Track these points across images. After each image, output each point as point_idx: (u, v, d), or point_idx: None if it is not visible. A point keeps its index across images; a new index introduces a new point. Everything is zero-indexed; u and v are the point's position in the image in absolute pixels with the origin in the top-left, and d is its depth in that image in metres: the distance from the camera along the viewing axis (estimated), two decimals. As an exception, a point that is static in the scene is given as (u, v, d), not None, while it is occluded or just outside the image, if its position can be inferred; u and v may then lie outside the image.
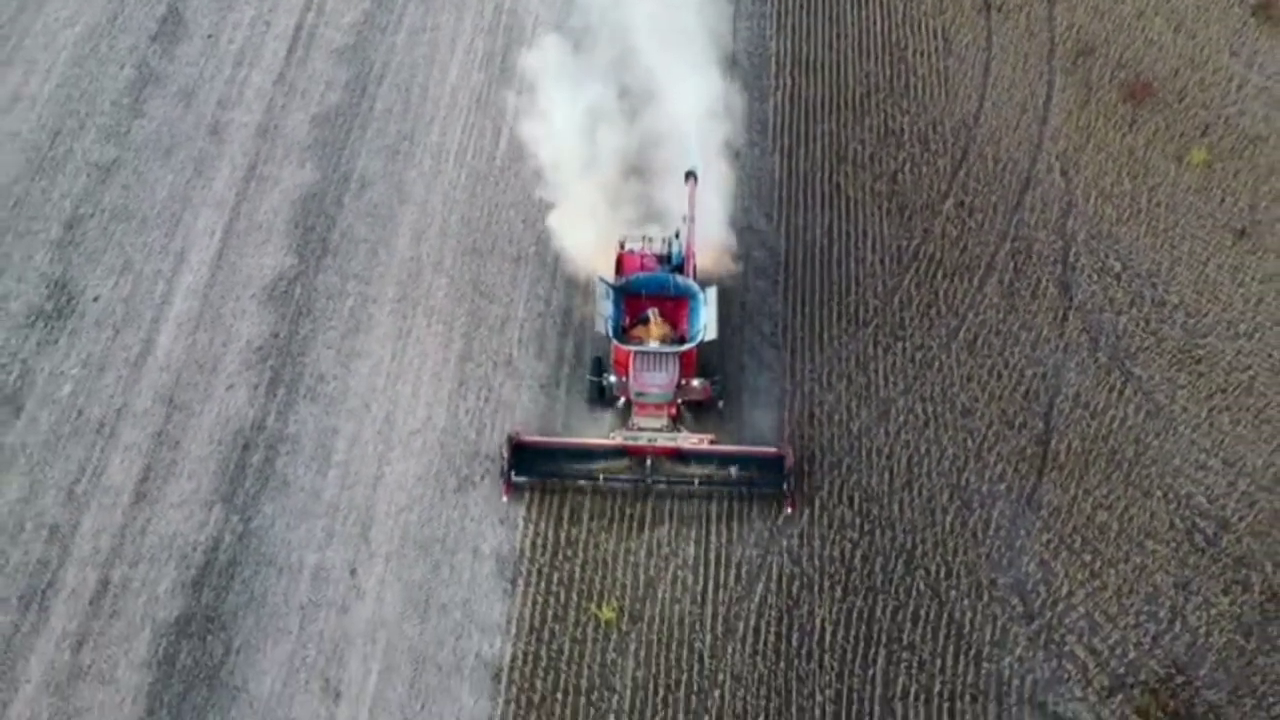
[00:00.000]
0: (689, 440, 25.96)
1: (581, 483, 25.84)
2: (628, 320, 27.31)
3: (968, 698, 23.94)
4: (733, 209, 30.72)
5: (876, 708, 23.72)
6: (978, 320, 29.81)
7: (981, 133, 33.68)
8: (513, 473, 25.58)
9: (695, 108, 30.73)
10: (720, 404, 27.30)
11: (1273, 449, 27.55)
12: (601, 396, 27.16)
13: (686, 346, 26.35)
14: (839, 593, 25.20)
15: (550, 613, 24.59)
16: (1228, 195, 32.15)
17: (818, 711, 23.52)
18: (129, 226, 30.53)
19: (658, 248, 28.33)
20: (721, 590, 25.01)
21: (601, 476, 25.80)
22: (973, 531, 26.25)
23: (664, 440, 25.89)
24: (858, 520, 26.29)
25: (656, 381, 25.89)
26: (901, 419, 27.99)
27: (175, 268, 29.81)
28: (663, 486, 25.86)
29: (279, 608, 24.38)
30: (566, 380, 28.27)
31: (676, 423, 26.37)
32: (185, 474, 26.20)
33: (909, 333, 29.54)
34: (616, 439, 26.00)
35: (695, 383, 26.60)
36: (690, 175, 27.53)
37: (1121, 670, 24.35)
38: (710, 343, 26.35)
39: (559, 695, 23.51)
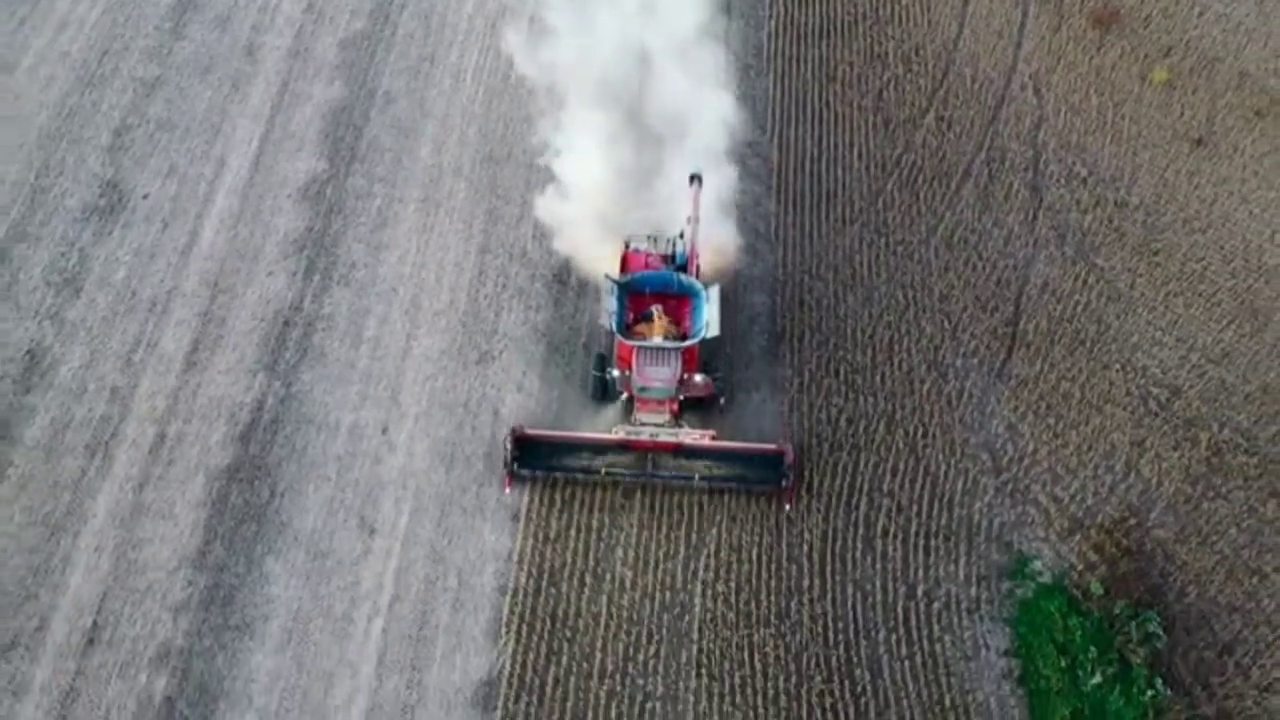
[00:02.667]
0: (690, 436, 26.30)
1: (583, 476, 26.21)
2: (632, 317, 27.69)
3: (941, 537, 26.55)
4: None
5: (859, 545, 26.31)
6: (954, 219, 32.42)
7: (960, 55, 36.32)
8: (516, 465, 25.97)
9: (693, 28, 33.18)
10: (722, 400, 27.68)
11: (1222, 327, 30.17)
12: (605, 392, 27.56)
13: (689, 342, 26.71)
14: (826, 449, 27.78)
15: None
16: (1186, 109, 34.78)
17: (806, 547, 26.08)
18: (173, 135, 33.10)
19: (662, 248, 28.93)
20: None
21: (604, 470, 26.11)
22: (948, 399, 28.85)
23: (665, 435, 26.24)
24: (843, 389, 28.88)
25: (659, 376, 26.15)
26: (884, 303, 30.60)
27: (217, 171, 32.38)
28: (663, 481, 26.28)
29: (318, 458, 26.95)
30: (576, 273, 30.75)
31: (678, 419, 26.75)
32: (231, 346, 28.77)
33: (891, 230, 32.14)
34: (619, 434, 26.31)
35: (698, 378, 26.70)
36: (695, 178, 27.74)
37: (1080, 514, 26.96)
38: (713, 340, 26.74)
39: (572, 532, 26.08)
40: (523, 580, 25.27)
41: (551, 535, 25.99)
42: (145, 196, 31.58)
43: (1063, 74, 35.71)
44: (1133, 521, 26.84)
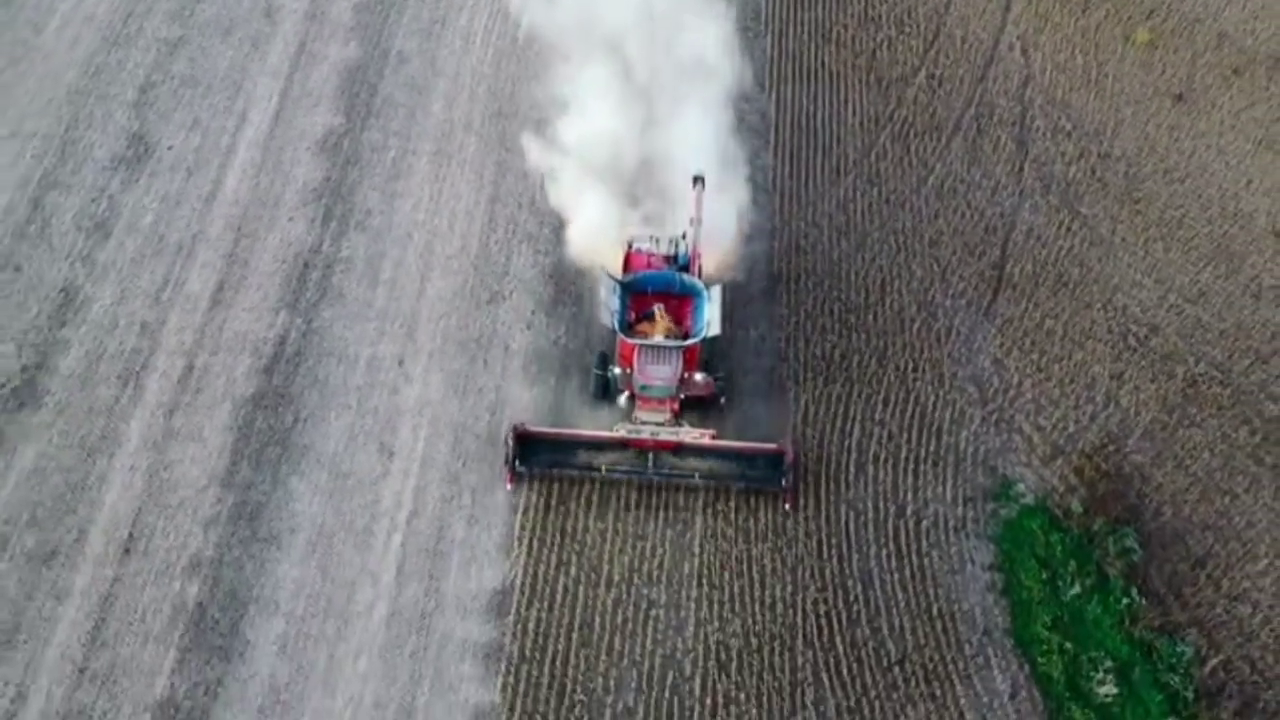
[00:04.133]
0: (690, 435, 26.60)
1: (583, 474, 26.61)
2: (633, 316, 28.06)
3: (930, 462, 27.97)
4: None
5: (852, 469, 27.75)
6: (944, 170, 33.88)
7: (951, 18, 37.80)
8: (516, 462, 26.32)
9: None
10: (723, 400, 27.93)
11: (1198, 269, 31.67)
12: (606, 391, 27.88)
13: (690, 341, 27.02)
14: (820, 382, 29.22)
15: (571, 397, 28.55)
16: (1168, 68, 36.31)
17: (801, 469, 27.45)
18: (196, 92, 34.55)
19: (665, 249, 29.18)
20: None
21: (604, 468, 26.52)
22: (937, 336, 30.30)
23: (666, 434, 26.48)
24: (837, 326, 30.34)
25: (660, 375, 26.40)
26: (876, 248, 32.05)
27: (238, 125, 33.83)
28: (663, 479, 26.65)
29: (339, 388, 28.39)
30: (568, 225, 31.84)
31: (678, 417, 27.04)
32: (254, 286, 30.21)
33: (884, 180, 33.62)
34: (619, 432, 26.61)
35: (698, 377, 27.01)
36: (698, 180, 27.80)
37: (1062, 441, 28.40)
38: (714, 340, 27.19)
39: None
40: (534, 499, 26.65)
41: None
42: (170, 148, 33.03)
43: (1049, 35, 37.22)
44: (1112, 447, 28.28)
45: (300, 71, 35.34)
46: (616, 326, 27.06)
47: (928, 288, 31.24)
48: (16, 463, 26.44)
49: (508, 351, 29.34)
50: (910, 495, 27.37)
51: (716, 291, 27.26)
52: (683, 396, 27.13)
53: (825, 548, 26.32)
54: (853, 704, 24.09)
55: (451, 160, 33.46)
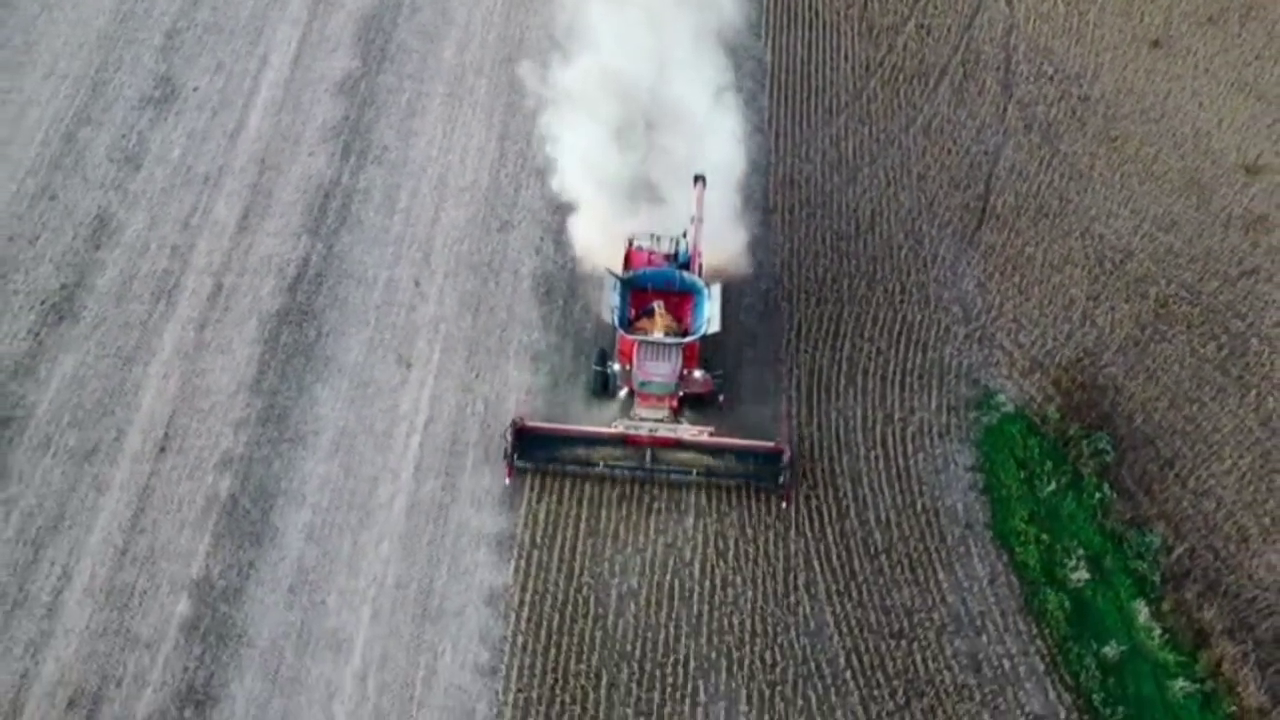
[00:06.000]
0: (688, 432, 26.88)
1: (582, 470, 26.68)
2: (634, 313, 28.21)
3: (916, 375, 29.70)
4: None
5: (842, 380, 29.46)
6: (932, 112, 35.61)
7: (939, -30, 39.60)
8: (515, 457, 26.51)
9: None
10: (721, 398, 28.10)
11: (1171, 201, 33.43)
12: (605, 387, 28.15)
13: (690, 338, 27.26)
14: (812, 302, 30.94)
15: (577, 316, 30.29)
16: (1146, 16, 38.10)
17: (792, 381, 29.21)
18: (219, 37, 36.28)
19: (666, 247, 29.58)
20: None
21: (602, 464, 26.75)
22: (923, 261, 32.02)
23: (664, 431, 26.76)
24: (829, 253, 32.05)
25: (659, 371, 26.58)
26: (866, 182, 33.78)
27: (260, 68, 35.56)
28: (661, 476, 26.79)
29: (359, 306, 30.10)
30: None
31: (677, 414, 27.36)
32: (278, 213, 31.93)
33: (874, 120, 35.35)
34: (618, 428, 26.84)
35: (697, 374, 27.28)
36: (699, 179, 28.64)
37: (1040, 356, 30.12)
38: (714, 337, 27.35)
39: (583, 373, 29.12)
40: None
41: (572, 371, 29.09)
42: (196, 89, 34.76)
43: (1033, -14, 39.10)
44: (1087, 361, 30.02)
45: (318, 19, 37.07)
46: (617, 323, 27.39)
47: (915, 218, 32.97)
48: (57, 370, 28.14)
49: (517, 275, 31.05)
50: (897, 404, 29.07)
51: (716, 289, 27.50)
52: (682, 393, 27.46)
53: (817, 450, 28.02)
54: (842, 587, 25.80)
55: (463, 101, 35.19)
